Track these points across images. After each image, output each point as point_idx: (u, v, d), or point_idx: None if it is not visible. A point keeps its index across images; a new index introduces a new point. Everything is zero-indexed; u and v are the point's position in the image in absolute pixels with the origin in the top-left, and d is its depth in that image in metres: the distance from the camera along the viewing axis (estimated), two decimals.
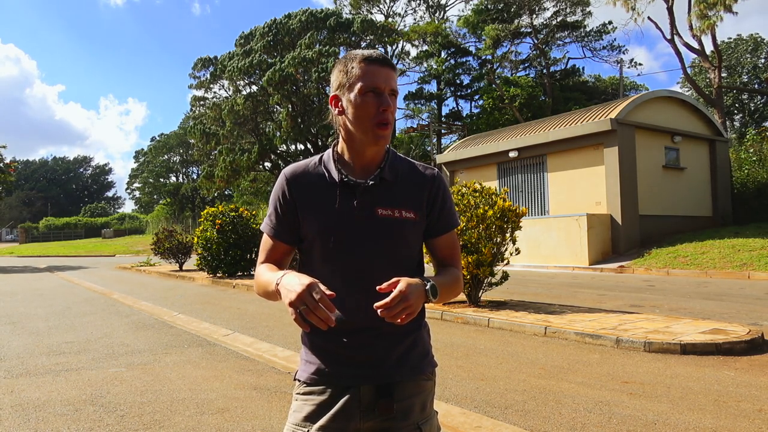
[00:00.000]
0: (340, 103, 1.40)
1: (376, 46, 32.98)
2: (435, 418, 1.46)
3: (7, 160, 28.12)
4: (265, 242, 1.49)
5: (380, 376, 1.38)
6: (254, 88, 31.54)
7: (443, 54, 37.86)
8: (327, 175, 1.43)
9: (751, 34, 41.82)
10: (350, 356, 1.38)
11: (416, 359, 1.43)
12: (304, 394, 1.41)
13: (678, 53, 24.73)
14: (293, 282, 1.21)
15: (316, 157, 1.50)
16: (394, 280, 1.25)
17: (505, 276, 7.82)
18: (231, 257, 13.96)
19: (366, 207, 1.39)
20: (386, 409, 1.36)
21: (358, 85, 1.35)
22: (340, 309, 1.36)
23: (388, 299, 1.21)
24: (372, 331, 1.38)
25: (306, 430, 1.36)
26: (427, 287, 1.31)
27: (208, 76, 35.18)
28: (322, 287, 1.19)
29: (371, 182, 1.40)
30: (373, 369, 1.37)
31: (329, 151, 1.48)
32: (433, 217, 1.47)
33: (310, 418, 1.37)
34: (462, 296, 8.01)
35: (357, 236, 1.38)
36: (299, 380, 1.44)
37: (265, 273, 1.39)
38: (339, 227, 1.38)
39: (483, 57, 37.17)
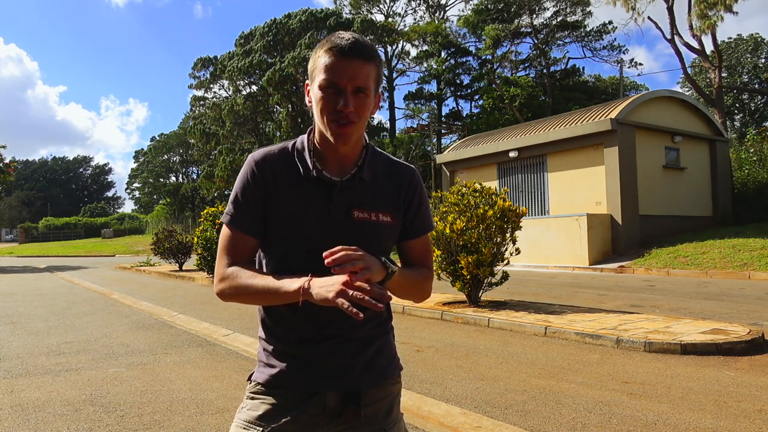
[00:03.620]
0: (309, 93, 1.29)
1: (376, 46, 32.98)
2: (401, 421, 1.39)
3: (7, 160, 28.12)
4: (229, 238, 1.30)
5: (347, 383, 1.30)
6: (254, 88, 31.57)
7: (443, 54, 37.88)
8: (301, 168, 1.30)
9: (752, 34, 41.86)
10: (317, 363, 1.29)
11: (383, 364, 1.36)
12: (260, 393, 1.32)
13: (678, 53, 24.77)
14: (328, 279, 1.12)
15: (288, 144, 1.35)
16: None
17: (505, 276, 7.82)
18: None
19: (341, 208, 1.28)
20: (353, 416, 1.29)
21: (318, 78, 1.22)
22: (308, 315, 1.26)
23: (333, 250, 1.12)
24: (340, 338, 1.29)
25: (260, 429, 1.26)
26: (383, 259, 1.22)
27: (208, 76, 35.25)
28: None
29: (348, 181, 1.30)
30: (340, 376, 1.29)
31: (303, 138, 1.34)
32: (409, 219, 1.38)
33: (266, 418, 1.28)
34: (462, 296, 8.01)
35: (330, 238, 1.25)
36: (257, 382, 1.33)
37: (261, 278, 1.23)
38: (311, 227, 1.27)
39: (483, 57, 37.20)
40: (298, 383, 1.29)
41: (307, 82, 1.31)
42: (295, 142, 1.35)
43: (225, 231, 1.31)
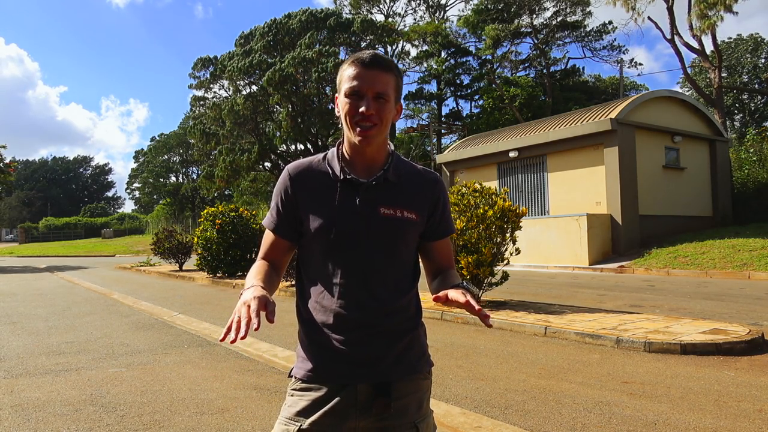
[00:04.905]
0: (338, 104, 1.45)
1: (376, 46, 32.97)
2: (431, 417, 1.47)
3: (7, 160, 28.10)
4: (267, 237, 1.52)
5: (377, 374, 1.38)
6: (254, 88, 31.51)
7: (443, 54, 37.85)
8: (331, 172, 1.45)
9: (751, 34, 41.88)
10: (348, 354, 1.37)
11: (413, 358, 1.44)
12: (299, 390, 1.41)
13: (678, 53, 24.76)
14: (246, 294, 1.27)
15: (321, 155, 1.51)
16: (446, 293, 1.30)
17: (505, 276, 7.82)
18: (231, 257, 13.95)
19: (368, 205, 1.40)
20: (383, 408, 1.36)
21: (344, 88, 1.39)
22: (339, 306, 1.38)
23: (475, 306, 1.24)
24: (370, 329, 1.38)
25: (299, 424, 1.36)
26: (467, 286, 1.37)
27: (208, 76, 35.17)
28: (257, 305, 1.21)
29: (374, 181, 1.42)
30: (371, 367, 1.38)
31: (334, 149, 1.49)
32: (434, 222, 1.50)
33: (304, 413, 1.37)
34: None
35: (359, 233, 1.39)
36: (295, 377, 1.44)
37: (250, 275, 1.42)
38: (341, 224, 1.39)
39: (483, 57, 37.16)
40: (330, 375, 1.38)
41: (336, 95, 1.46)
42: (327, 153, 1.51)
43: (266, 232, 1.53)
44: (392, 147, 1.50)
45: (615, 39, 43.60)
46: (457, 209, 7.59)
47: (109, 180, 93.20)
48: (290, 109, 29.74)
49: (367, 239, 1.39)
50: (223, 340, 1.17)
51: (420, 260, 1.55)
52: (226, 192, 49.73)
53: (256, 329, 1.18)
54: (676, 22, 24.15)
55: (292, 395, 1.43)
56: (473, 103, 39.73)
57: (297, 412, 1.38)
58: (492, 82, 34.36)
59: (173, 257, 17.43)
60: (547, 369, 4.63)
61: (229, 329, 1.17)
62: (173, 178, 66.75)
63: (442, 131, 39.19)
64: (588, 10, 34.46)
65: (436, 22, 38.29)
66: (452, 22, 40.30)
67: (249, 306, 1.21)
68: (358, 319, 1.37)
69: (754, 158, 19.40)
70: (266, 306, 1.23)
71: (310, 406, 1.37)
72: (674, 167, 17.39)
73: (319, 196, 1.43)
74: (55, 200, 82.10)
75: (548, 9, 35.07)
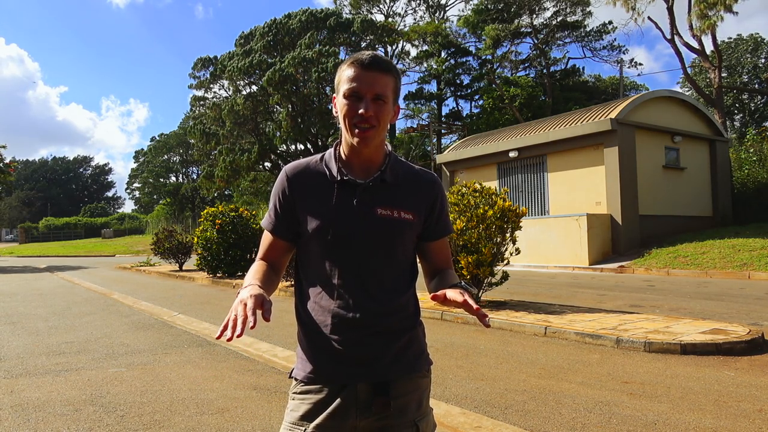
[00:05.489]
0: (335, 104, 1.45)
1: (376, 46, 32.98)
2: (431, 415, 1.48)
3: (7, 160, 28.10)
4: (265, 238, 1.52)
5: (376, 374, 1.38)
6: (254, 88, 31.52)
7: (443, 54, 37.85)
8: (328, 173, 1.45)
9: (752, 34, 41.85)
10: (346, 354, 1.37)
11: (412, 357, 1.44)
12: (300, 393, 1.42)
13: (678, 53, 24.76)
14: (243, 293, 1.27)
15: (318, 156, 1.51)
16: (444, 292, 1.30)
17: (505, 276, 7.82)
18: (231, 257, 13.95)
19: (365, 206, 1.41)
20: (383, 407, 1.37)
21: (342, 89, 1.39)
22: (337, 307, 1.39)
23: (474, 306, 1.24)
24: (368, 330, 1.38)
25: (303, 429, 1.37)
26: (465, 286, 1.37)
27: (208, 76, 35.18)
28: (253, 303, 1.21)
29: (371, 182, 1.42)
30: (369, 367, 1.38)
31: (331, 150, 1.49)
32: (432, 222, 1.51)
33: (307, 416, 1.38)
34: None
35: (355, 233, 1.39)
36: (296, 379, 1.44)
37: (248, 275, 1.43)
38: (338, 224, 1.39)
39: (483, 57, 37.16)
40: (330, 376, 1.39)
41: (333, 95, 1.47)
42: (324, 154, 1.51)
43: (264, 233, 1.54)
44: (390, 148, 1.50)
45: (615, 39, 43.59)
46: (457, 209, 7.59)
47: (109, 180, 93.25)
48: (290, 109, 29.75)
49: (364, 240, 1.40)
50: (219, 337, 1.18)
51: (418, 260, 1.55)
52: (226, 192, 49.71)
53: (252, 327, 1.18)
54: (676, 22, 24.17)
55: (293, 399, 1.43)
56: (473, 103, 39.77)
57: (300, 417, 1.39)
58: (492, 82, 34.35)
59: (173, 257, 17.43)
60: (547, 369, 4.63)
61: (225, 327, 1.18)
62: (173, 178, 66.76)
63: (442, 131, 39.18)
64: (588, 10, 34.49)
65: (436, 22, 38.29)
66: (452, 22, 40.34)
67: (245, 304, 1.22)
68: (356, 319, 1.37)
69: (754, 158, 19.40)
70: (263, 304, 1.24)
71: (313, 410, 1.38)
72: (674, 167, 17.39)
73: (316, 197, 1.43)
74: (55, 200, 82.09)
75: (548, 9, 35.11)
